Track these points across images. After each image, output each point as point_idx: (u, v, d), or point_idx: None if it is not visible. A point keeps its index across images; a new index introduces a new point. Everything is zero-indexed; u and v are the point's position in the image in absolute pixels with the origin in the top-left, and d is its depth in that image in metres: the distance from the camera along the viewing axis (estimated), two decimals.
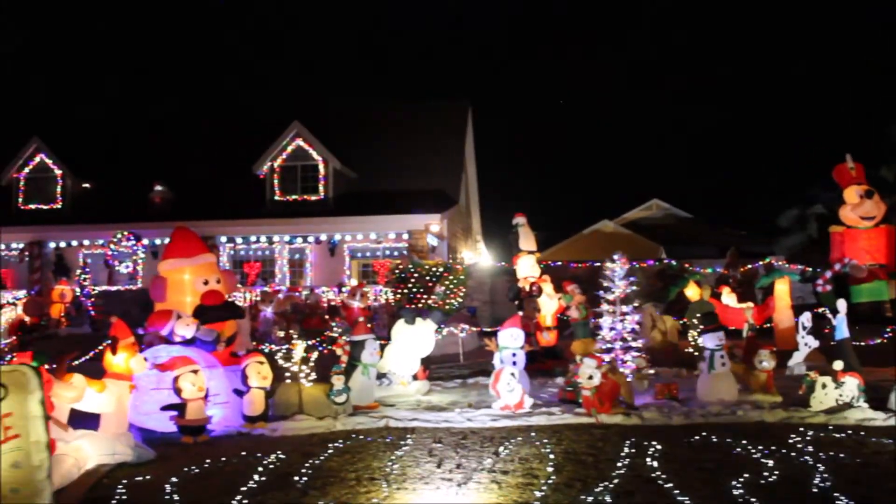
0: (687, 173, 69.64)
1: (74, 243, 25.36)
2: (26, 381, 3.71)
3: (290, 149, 24.43)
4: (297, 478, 7.38)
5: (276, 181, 24.49)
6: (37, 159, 26.40)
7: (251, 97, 30.35)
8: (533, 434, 9.18)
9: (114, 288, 25.13)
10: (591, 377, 10.27)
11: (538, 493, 6.71)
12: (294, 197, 24.38)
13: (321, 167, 24.27)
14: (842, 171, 16.46)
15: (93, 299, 23.68)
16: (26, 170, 26.46)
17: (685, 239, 38.45)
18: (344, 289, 21.16)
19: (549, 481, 7.11)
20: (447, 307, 17.14)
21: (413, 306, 17.04)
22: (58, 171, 26.22)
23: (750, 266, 22.90)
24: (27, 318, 22.14)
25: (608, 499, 6.54)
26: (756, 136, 73.60)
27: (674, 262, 23.61)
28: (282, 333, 17.37)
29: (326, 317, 18.40)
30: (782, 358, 13.08)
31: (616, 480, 7.12)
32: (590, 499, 6.53)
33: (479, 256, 29.98)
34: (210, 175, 24.99)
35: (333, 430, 9.81)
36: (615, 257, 12.79)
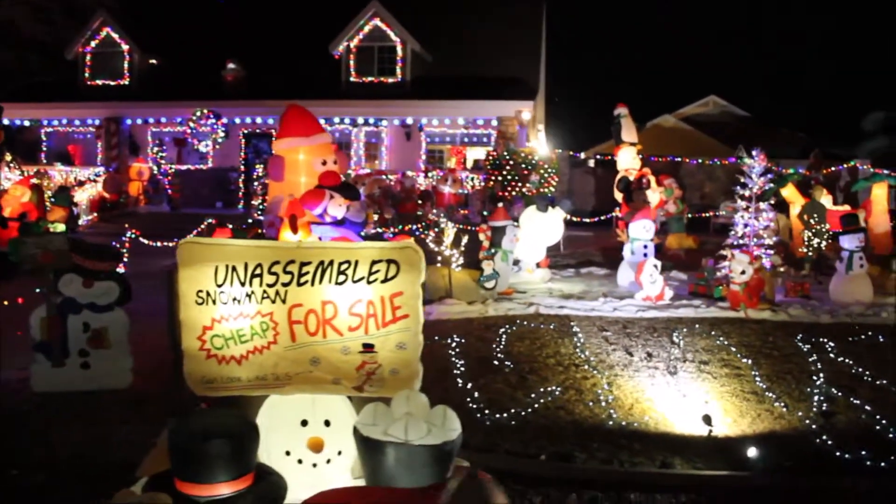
0: (748, 70, 66.71)
1: (151, 120, 24.97)
2: (417, 260, 3.54)
3: (367, 29, 23.58)
4: (496, 362, 7.35)
5: (352, 62, 23.78)
6: (103, 33, 25.65)
7: None
8: (697, 326, 9.08)
9: (184, 167, 24.93)
10: (743, 272, 10.13)
11: (762, 384, 6.65)
12: (370, 79, 23.71)
13: (399, 49, 23.50)
14: None
15: (169, 178, 23.58)
16: (92, 44, 25.79)
17: (741, 137, 37.57)
18: (430, 174, 20.90)
19: (757, 373, 7.05)
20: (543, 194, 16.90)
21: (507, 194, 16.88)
22: (125, 47, 25.53)
23: (833, 168, 22.47)
24: (107, 195, 22.12)
25: (834, 391, 6.49)
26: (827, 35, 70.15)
27: (738, 160, 23.07)
28: (376, 216, 17.27)
29: (420, 202, 18.23)
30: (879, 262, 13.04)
31: (823, 374, 7.06)
32: (815, 391, 6.47)
33: (540, 145, 29.44)
34: (283, 53, 24.23)
35: (486, 314, 9.75)
36: (753, 153, 12.39)
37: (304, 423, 3.74)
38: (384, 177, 19.88)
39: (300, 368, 3.68)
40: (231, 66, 24.03)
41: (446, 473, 3.64)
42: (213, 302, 3.62)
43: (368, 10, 23.52)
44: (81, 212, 20.71)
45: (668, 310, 10.17)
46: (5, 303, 7.20)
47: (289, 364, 3.68)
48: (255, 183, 20.77)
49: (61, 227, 14.88)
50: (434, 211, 17.08)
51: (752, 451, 4.91)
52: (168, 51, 25.74)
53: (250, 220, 17.38)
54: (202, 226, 16.57)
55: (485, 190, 18.65)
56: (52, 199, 15.87)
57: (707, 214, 20.65)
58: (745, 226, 12.30)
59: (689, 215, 18.77)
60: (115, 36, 25.61)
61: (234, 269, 3.58)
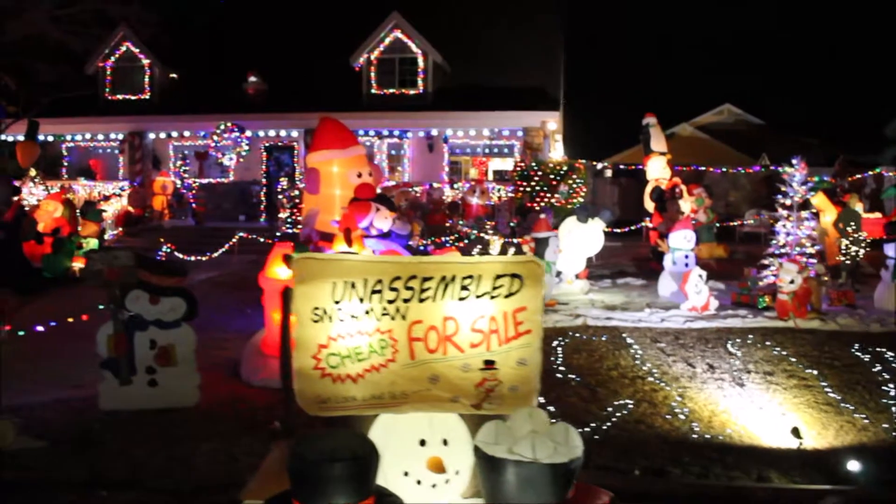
0: (762, 78, 66.10)
1: (175, 134, 24.95)
2: (541, 274, 3.47)
3: (388, 41, 23.57)
4: (559, 375, 7.27)
5: (372, 74, 23.76)
6: (123, 48, 25.72)
7: None
8: (750, 337, 8.99)
9: (205, 180, 24.94)
10: (791, 281, 10.06)
11: (834, 396, 6.55)
12: (392, 90, 23.70)
13: (420, 60, 23.48)
14: None
15: (193, 192, 23.60)
16: (112, 59, 25.83)
17: (757, 145, 37.44)
18: (456, 186, 20.85)
19: (825, 384, 6.95)
20: (570, 206, 16.88)
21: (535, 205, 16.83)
22: (145, 61, 25.60)
23: (858, 176, 22.40)
24: (132, 210, 22.15)
25: None
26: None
27: (780, 169, 22.99)
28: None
29: (447, 213, 18.19)
30: None
31: (894, 385, 6.95)
32: (892, 402, 6.37)
33: (558, 155, 29.40)
34: (304, 66, 24.21)
35: None
36: (794, 161, 12.31)
37: (423, 442, 3.66)
38: (410, 189, 19.82)
39: (418, 387, 3.61)
40: (252, 79, 24.05)
41: (567, 492, 3.56)
42: (330, 319, 3.54)
43: (389, 22, 23.52)
44: (107, 226, 20.73)
45: (716, 320, 10.10)
46: (70, 320, 7.15)
47: (406, 382, 3.60)
48: (281, 196, 20.75)
49: (94, 242, 14.88)
50: (461, 222, 17.04)
51: (853, 465, 4.83)
52: (189, 64, 25.79)
53: (278, 234, 17.38)
54: (234, 239, 16.61)
55: (512, 201, 18.58)
56: (84, 214, 15.85)
57: (734, 223, 20.58)
58: (788, 234, 12.23)
59: (717, 224, 18.72)
60: (136, 50, 25.64)
61: (353, 285, 3.51)
